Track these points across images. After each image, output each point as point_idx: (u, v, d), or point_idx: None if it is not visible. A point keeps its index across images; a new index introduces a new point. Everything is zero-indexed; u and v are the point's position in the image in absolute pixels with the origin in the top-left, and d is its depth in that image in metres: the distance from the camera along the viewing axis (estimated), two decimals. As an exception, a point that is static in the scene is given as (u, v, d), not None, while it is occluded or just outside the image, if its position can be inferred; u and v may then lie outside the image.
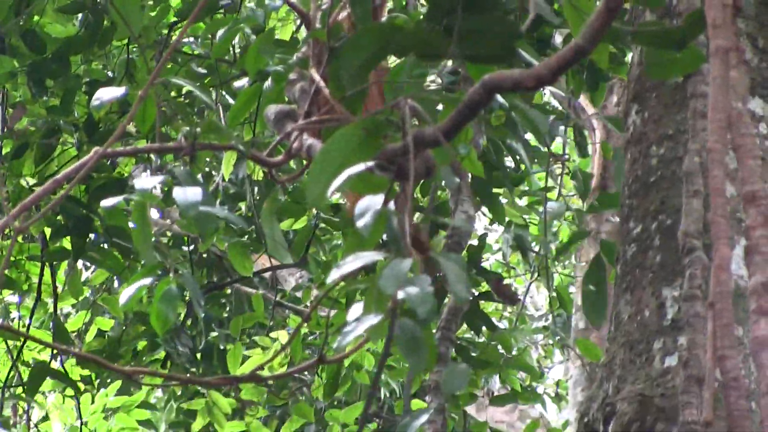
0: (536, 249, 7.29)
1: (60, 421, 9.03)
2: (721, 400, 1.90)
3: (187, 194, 2.93)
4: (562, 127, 6.40)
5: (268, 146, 3.27)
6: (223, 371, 7.21)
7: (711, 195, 1.89)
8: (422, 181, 4.80)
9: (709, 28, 2.06)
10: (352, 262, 2.35)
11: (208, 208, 2.94)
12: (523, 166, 5.78)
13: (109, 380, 8.00)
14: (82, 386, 7.80)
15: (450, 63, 4.39)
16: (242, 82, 4.10)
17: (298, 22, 7.22)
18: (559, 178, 8.93)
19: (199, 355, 7.53)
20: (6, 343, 7.53)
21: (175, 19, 6.97)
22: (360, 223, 2.36)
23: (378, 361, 6.61)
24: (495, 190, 5.73)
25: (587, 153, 5.95)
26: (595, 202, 4.79)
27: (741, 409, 1.74)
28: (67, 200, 6.30)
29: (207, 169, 7.75)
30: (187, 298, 6.70)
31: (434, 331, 4.00)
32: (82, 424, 7.69)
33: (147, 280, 3.06)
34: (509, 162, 5.75)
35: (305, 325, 6.76)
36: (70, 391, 8.10)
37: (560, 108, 7.81)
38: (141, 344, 7.48)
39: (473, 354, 6.29)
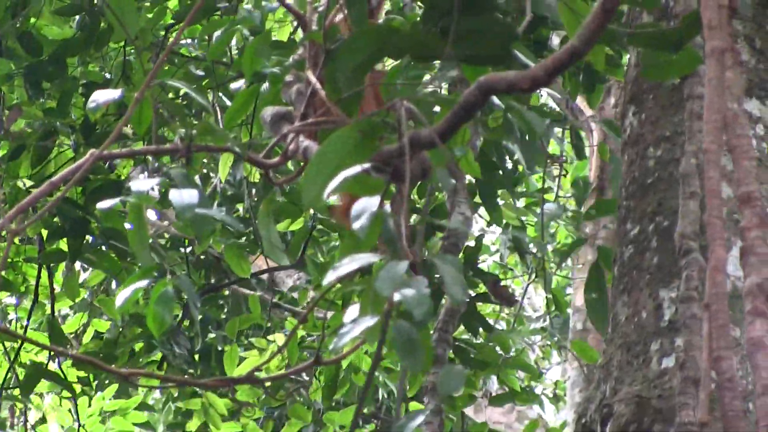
0: (534, 250, 7.29)
1: (57, 422, 9.03)
2: (717, 401, 1.90)
3: (183, 196, 2.92)
4: (558, 130, 6.40)
5: (265, 148, 3.27)
6: (221, 372, 7.21)
7: (706, 196, 1.89)
8: (419, 183, 4.81)
9: (704, 29, 2.06)
10: (348, 264, 2.35)
11: (205, 210, 2.93)
12: (520, 168, 5.78)
13: (107, 381, 7.99)
14: (78, 388, 7.80)
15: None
16: (239, 84, 4.11)
17: (296, 23, 7.22)
18: (557, 179, 8.93)
19: (197, 357, 7.53)
20: (3, 345, 7.52)
21: (172, 21, 6.97)
22: (356, 225, 2.36)
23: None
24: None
25: (584, 155, 5.95)
26: (592, 210, 4.80)
27: (736, 409, 1.74)
28: (63, 202, 6.30)
29: (205, 171, 7.75)
30: (184, 299, 6.71)
31: (431, 332, 4.01)
32: (79, 426, 7.69)
33: (143, 282, 3.06)
34: (508, 163, 5.75)
35: (302, 327, 6.76)
36: (67, 393, 8.09)
37: (558, 110, 7.81)
38: (138, 346, 7.47)
39: (472, 355, 6.29)
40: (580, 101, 8.60)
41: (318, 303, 6.00)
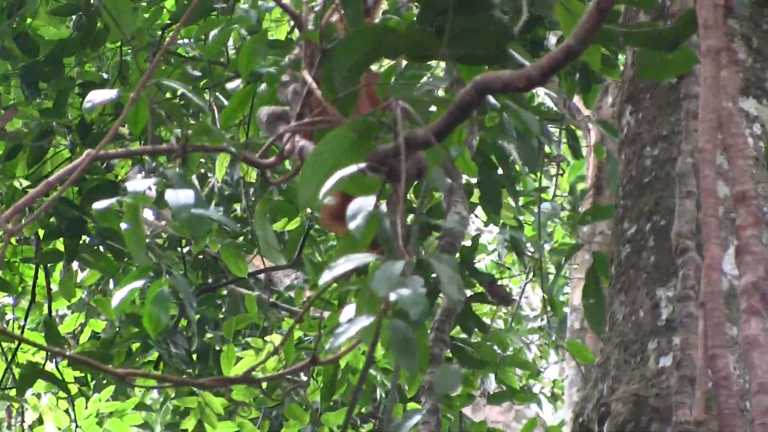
0: (531, 250, 7.29)
1: (54, 423, 9.01)
2: (713, 400, 1.90)
3: (179, 196, 2.92)
4: (555, 130, 6.40)
5: (262, 148, 3.27)
6: (219, 372, 7.20)
7: (702, 195, 1.89)
8: (415, 182, 4.80)
9: (700, 28, 2.06)
10: (344, 264, 2.35)
11: (201, 210, 2.93)
12: (517, 167, 5.78)
13: (104, 381, 7.99)
14: (74, 388, 7.79)
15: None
16: (236, 84, 4.11)
17: (293, 23, 7.21)
18: (554, 178, 8.92)
19: (194, 356, 7.52)
20: (0, 346, 7.52)
21: (168, 21, 6.97)
22: (352, 225, 2.36)
23: (374, 364, 6.61)
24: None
25: (581, 155, 5.94)
26: (588, 216, 4.81)
27: (731, 408, 1.74)
28: (60, 202, 6.30)
29: (202, 171, 7.75)
30: (181, 299, 6.70)
31: (428, 332, 4.00)
32: (76, 428, 7.68)
33: (139, 282, 3.06)
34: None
35: (299, 327, 6.76)
36: (64, 394, 8.09)
37: (555, 109, 7.81)
38: (134, 346, 7.47)
39: (470, 354, 6.28)
40: (578, 100, 8.59)
41: (314, 303, 5.99)
